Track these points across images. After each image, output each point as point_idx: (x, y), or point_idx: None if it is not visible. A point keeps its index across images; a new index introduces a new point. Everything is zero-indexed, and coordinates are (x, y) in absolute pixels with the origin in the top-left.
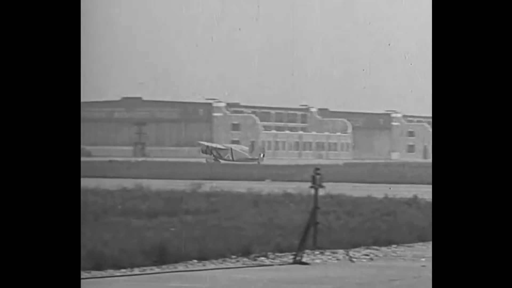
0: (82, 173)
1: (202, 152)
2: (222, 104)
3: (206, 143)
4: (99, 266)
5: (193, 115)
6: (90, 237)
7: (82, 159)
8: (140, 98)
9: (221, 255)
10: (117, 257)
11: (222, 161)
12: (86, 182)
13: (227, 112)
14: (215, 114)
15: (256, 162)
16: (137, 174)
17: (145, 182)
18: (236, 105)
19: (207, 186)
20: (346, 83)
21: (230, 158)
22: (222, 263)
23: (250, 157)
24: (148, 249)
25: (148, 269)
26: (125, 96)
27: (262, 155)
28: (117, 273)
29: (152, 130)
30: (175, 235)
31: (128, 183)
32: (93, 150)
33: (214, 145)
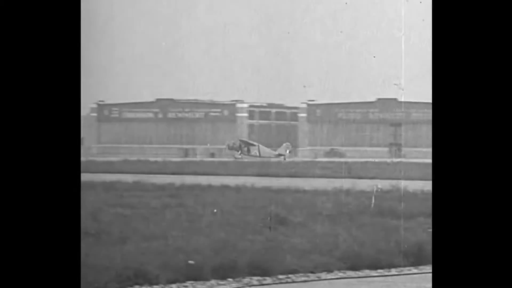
0: (339, 174)
1: (229, 148)
2: None
3: (244, 139)
4: (355, 266)
5: None
6: (345, 237)
7: (335, 159)
8: (395, 99)
9: None
10: (374, 257)
11: (248, 157)
12: (340, 183)
13: None
14: None
15: (282, 158)
16: (394, 175)
17: (401, 183)
18: None
19: None
20: None
21: (257, 154)
22: None
23: (276, 153)
24: (406, 250)
25: (405, 270)
26: (379, 97)
27: (288, 151)
28: (373, 273)
29: (408, 131)
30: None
31: (384, 184)
32: (348, 151)
33: (244, 139)
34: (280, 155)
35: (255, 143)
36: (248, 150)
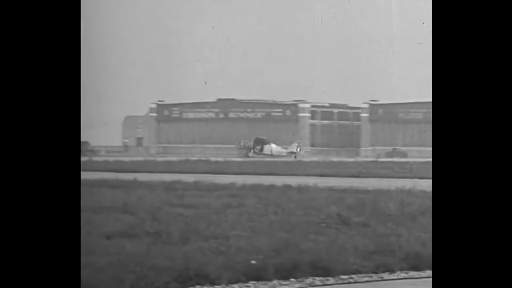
0: (401, 174)
1: (240, 147)
2: None
3: (260, 137)
4: (416, 266)
5: None
6: (407, 238)
7: (397, 159)
8: None
9: None
10: None
11: (262, 155)
12: (402, 183)
13: None
14: None
15: (293, 157)
16: None
17: None
18: None
19: None
20: None
21: (270, 152)
22: None
23: (288, 151)
24: None
25: None
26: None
27: (299, 149)
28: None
29: None
30: None
31: None
32: (410, 151)
33: (260, 137)
34: (291, 153)
35: (267, 142)
36: (261, 149)
